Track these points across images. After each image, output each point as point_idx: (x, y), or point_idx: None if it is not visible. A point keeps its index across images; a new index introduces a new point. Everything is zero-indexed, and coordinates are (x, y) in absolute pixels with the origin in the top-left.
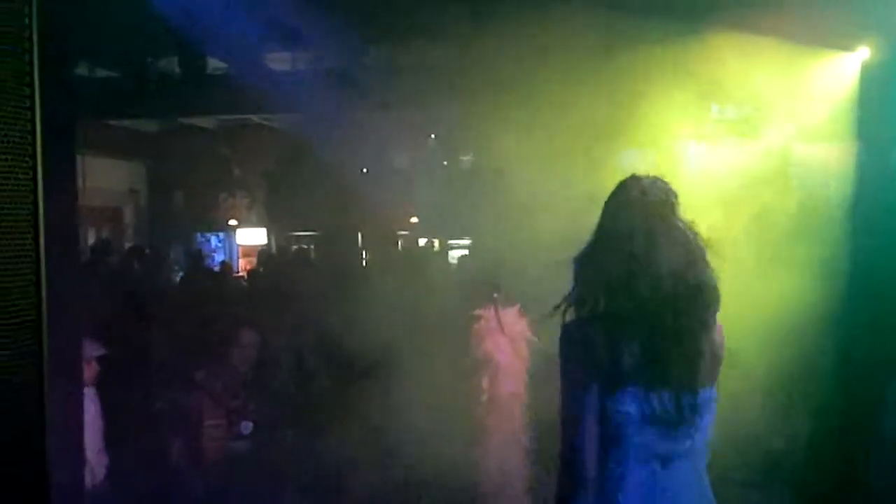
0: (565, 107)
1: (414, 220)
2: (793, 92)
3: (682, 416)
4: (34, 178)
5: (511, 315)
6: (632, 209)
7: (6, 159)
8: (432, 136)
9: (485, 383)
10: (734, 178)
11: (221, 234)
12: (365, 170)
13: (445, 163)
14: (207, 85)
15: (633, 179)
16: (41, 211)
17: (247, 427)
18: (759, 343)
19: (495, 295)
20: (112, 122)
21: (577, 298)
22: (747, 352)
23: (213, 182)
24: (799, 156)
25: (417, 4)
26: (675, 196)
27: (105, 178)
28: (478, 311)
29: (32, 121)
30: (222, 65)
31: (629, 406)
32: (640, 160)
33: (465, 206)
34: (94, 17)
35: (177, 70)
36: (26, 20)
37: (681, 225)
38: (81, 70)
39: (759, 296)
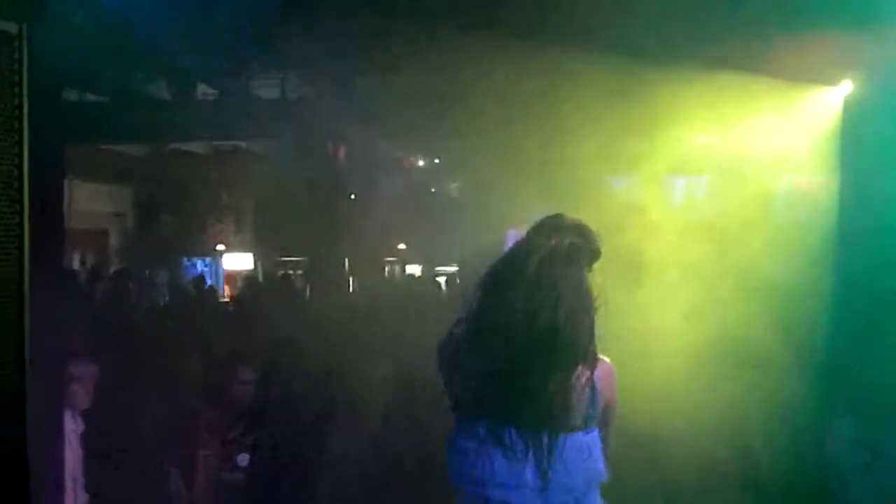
0: (557, 137)
1: (401, 245)
2: (776, 125)
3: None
4: (20, 201)
5: None
6: (531, 249)
7: None
8: (420, 163)
9: None
10: (718, 210)
11: (208, 259)
12: (353, 196)
13: (433, 189)
14: (196, 110)
15: (554, 219)
16: (26, 231)
17: (244, 459)
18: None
19: None
20: (100, 146)
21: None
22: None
23: (200, 207)
24: (782, 188)
25: (408, 35)
26: (589, 244)
27: (91, 201)
28: None
29: (20, 144)
30: (211, 90)
31: (461, 431)
32: (627, 190)
33: (453, 233)
34: (83, 44)
35: (166, 95)
36: (16, 48)
37: (576, 275)
38: (70, 95)
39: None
